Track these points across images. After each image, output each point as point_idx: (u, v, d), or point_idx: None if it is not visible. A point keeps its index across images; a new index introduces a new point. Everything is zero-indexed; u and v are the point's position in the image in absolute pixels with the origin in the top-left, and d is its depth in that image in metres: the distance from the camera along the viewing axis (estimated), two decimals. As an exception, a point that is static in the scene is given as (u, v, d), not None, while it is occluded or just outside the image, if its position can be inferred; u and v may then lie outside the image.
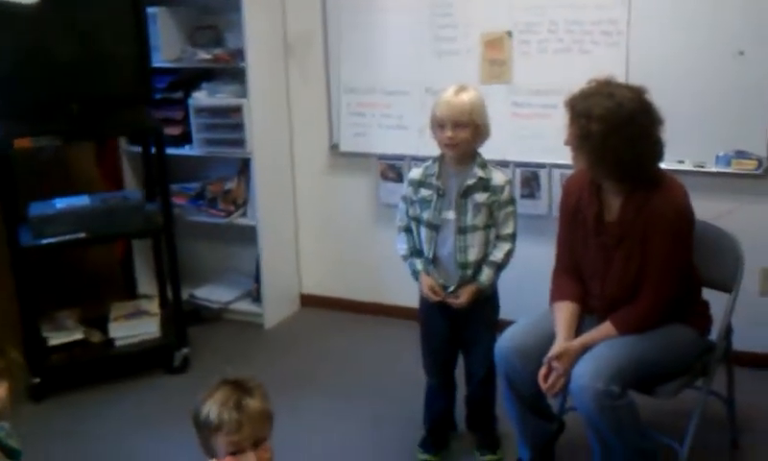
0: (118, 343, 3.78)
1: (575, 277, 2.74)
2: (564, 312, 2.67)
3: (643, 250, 2.54)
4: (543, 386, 2.55)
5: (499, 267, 2.87)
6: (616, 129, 2.42)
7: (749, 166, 3.35)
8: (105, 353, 3.77)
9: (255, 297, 4.37)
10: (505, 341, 2.68)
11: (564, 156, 2.71)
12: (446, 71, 3.80)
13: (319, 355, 3.97)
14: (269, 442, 1.95)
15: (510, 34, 3.71)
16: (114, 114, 3.70)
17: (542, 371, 2.54)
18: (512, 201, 2.89)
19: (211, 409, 1.91)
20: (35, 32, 3.46)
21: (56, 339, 3.70)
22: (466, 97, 2.77)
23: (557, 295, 2.74)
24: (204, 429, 1.92)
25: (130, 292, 4.38)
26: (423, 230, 2.90)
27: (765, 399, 3.30)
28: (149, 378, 3.75)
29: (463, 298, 2.84)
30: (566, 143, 2.57)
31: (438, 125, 2.80)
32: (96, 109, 3.59)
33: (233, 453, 1.90)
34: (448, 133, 2.76)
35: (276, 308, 4.35)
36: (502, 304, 3.00)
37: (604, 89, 2.50)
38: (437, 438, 3.10)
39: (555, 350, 2.55)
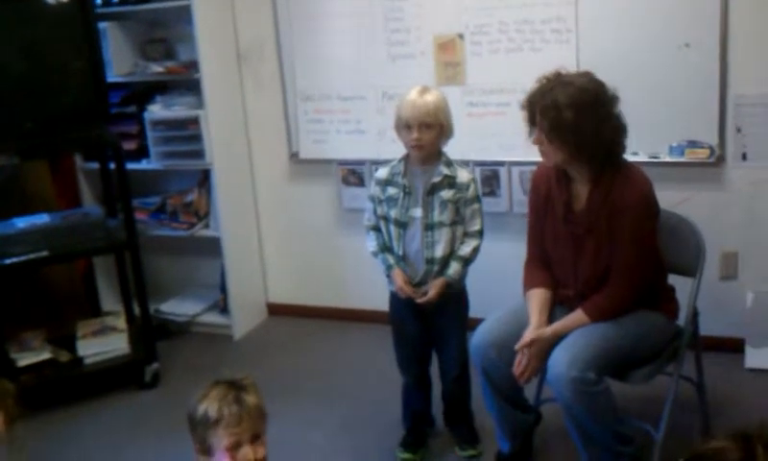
0: (87, 361, 3.75)
1: (545, 266, 2.80)
2: (536, 299, 2.73)
3: (611, 238, 2.61)
4: (516, 372, 2.61)
5: (466, 261, 2.93)
6: (587, 111, 2.50)
7: (702, 155, 3.45)
8: (74, 372, 3.73)
9: (222, 308, 4.36)
10: (481, 334, 2.73)
11: (522, 153, 2.76)
12: (401, 74, 3.85)
13: (290, 364, 3.97)
14: (264, 438, 2.00)
15: (461, 36, 3.76)
16: (71, 130, 3.65)
17: (518, 358, 2.60)
18: (477, 198, 2.94)
19: (210, 406, 1.95)
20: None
21: (24, 360, 3.65)
22: (430, 98, 2.83)
23: (528, 283, 2.80)
24: (202, 426, 1.95)
25: (93, 309, 4.33)
26: (392, 229, 2.94)
27: (731, 382, 3.39)
28: (120, 395, 3.72)
29: (432, 292, 2.88)
30: (536, 142, 2.61)
31: (404, 126, 2.84)
32: (51, 126, 3.56)
33: (231, 448, 1.94)
34: (415, 135, 2.81)
35: (243, 319, 4.35)
36: (467, 302, 3.05)
37: (559, 80, 2.57)
38: (416, 436, 3.13)
39: (527, 336, 2.61)
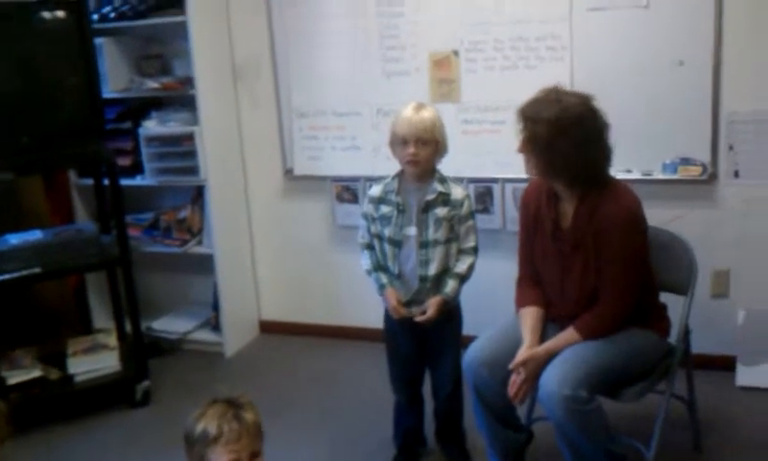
0: (78, 379, 3.71)
1: (537, 283, 2.80)
2: (529, 318, 2.73)
3: (598, 256, 2.60)
4: (510, 393, 2.60)
5: (463, 279, 2.92)
6: (562, 131, 2.49)
7: (694, 172, 3.46)
8: (65, 390, 3.69)
9: (214, 325, 4.34)
10: (473, 352, 2.72)
11: (516, 170, 2.78)
12: (396, 91, 3.86)
13: (282, 381, 3.95)
14: (262, 457, 2.01)
15: (456, 53, 3.77)
16: (66, 146, 3.65)
17: (513, 378, 2.59)
18: (471, 215, 2.94)
19: (209, 423, 1.95)
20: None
21: (14, 378, 3.61)
22: (426, 114, 2.83)
23: (521, 302, 2.80)
24: (200, 444, 1.95)
25: (85, 327, 4.31)
26: (387, 247, 2.93)
27: (723, 400, 3.39)
28: (111, 413, 3.70)
29: (430, 311, 2.86)
30: (518, 149, 2.63)
31: (400, 142, 2.84)
32: (47, 142, 3.56)
33: None
34: (411, 150, 2.80)
35: (235, 336, 4.33)
36: (460, 319, 3.04)
37: (552, 95, 2.58)
38: (407, 455, 3.12)
39: (520, 356, 2.60)
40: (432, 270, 2.88)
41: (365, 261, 3.02)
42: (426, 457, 3.17)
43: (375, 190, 2.99)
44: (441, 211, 2.87)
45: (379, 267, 2.98)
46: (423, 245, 2.87)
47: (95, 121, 3.71)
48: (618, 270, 2.58)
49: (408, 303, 2.93)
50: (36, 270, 3.52)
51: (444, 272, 2.90)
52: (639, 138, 3.47)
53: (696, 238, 2.92)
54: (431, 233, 2.87)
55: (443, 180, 2.90)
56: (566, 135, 2.50)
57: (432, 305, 2.87)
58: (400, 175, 2.94)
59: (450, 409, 3.06)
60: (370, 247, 3.01)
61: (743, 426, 3.21)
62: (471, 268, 2.92)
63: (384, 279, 2.95)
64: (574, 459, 2.58)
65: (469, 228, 2.92)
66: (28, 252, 3.56)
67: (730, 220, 3.50)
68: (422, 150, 2.81)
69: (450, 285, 2.89)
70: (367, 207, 3.01)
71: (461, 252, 2.92)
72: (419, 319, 2.88)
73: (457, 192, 2.90)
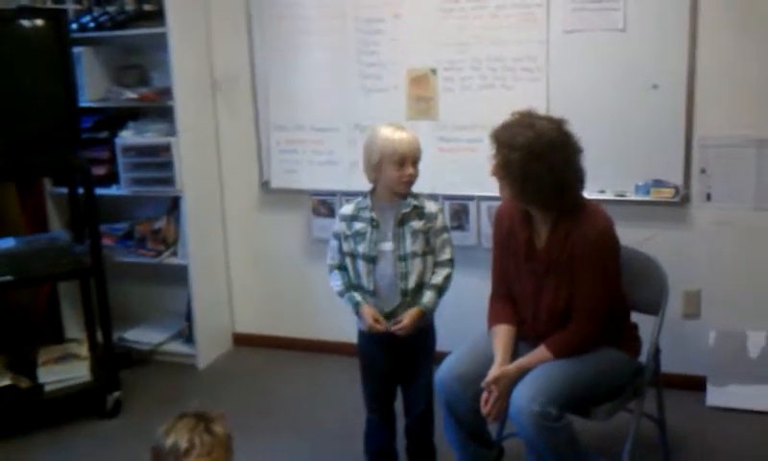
0: (48, 388, 3.68)
1: (510, 300, 2.82)
2: (501, 336, 2.74)
3: (572, 276, 2.62)
4: (484, 411, 2.61)
5: (440, 290, 2.91)
6: (536, 157, 2.51)
7: (667, 194, 3.51)
8: (34, 399, 3.66)
9: (187, 337, 4.33)
10: (445, 368, 2.73)
11: (491, 188, 2.80)
12: (374, 108, 3.88)
13: (254, 394, 3.93)
14: None
15: (434, 71, 3.80)
16: (41, 154, 3.63)
17: (484, 396, 2.60)
18: (446, 228, 2.96)
19: (179, 437, 1.93)
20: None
21: (-18, 386, 3.60)
22: (412, 134, 2.87)
23: (493, 319, 2.81)
24: (171, 457, 1.92)
25: (57, 336, 4.27)
26: (361, 264, 2.91)
27: (693, 419, 3.41)
28: (81, 424, 3.66)
29: (406, 321, 2.84)
30: (492, 174, 2.66)
31: (397, 162, 2.82)
32: (22, 150, 3.54)
33: None
34: (410, 170, 2.83)
35: (208, 348, 4.32)
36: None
37: (525, 120, 2.60)
38: (378, 471, 3.11)
39: (492, 374, 2.61)
40: (411, 283, 2.88)
41: (335, 283, 2.98)
42: (396, 474, 3.17)
43: (347, 209, 2.99)
44: (416, 224, 2.88)
45: (351, 287, 2.96)
46: (402, 258, 2.87)
47: (71, 130, 3.68)
48: (590, 290, 2.61)
49: (386, 317, 2.90)
50: (8, 278, 3.50)
51: (422, 285, 2.90)
52: (613, 160, 3.51)
53: (668, 259, 2.94)
54: (408, 246, 2.87)
55: (414, 195, 2.92)
56: (540, 161, 2.52)
57: (408, 316, 2.85)
58: (372, 193, 2.95)
59: (422, 427, 3.05)
60: (340, 268, 2.99)
61: (713, 446, 3.24)
62: (448, 279, 2.93)
63: (358, 297, 2.93)
64: (544, 476, 2.60)
65: (445, 241, 2.94)
66: (0, 259, 3.52)
67: (701, 241, 3.55)
68: (416, 169, 2.86)
69: (428, 297, 2.89)
70: (339, 226, 2.99)
71: (437, 264, 2.93)
72: (394, 329, 2.86)
73: (430, 206, 2.93)
